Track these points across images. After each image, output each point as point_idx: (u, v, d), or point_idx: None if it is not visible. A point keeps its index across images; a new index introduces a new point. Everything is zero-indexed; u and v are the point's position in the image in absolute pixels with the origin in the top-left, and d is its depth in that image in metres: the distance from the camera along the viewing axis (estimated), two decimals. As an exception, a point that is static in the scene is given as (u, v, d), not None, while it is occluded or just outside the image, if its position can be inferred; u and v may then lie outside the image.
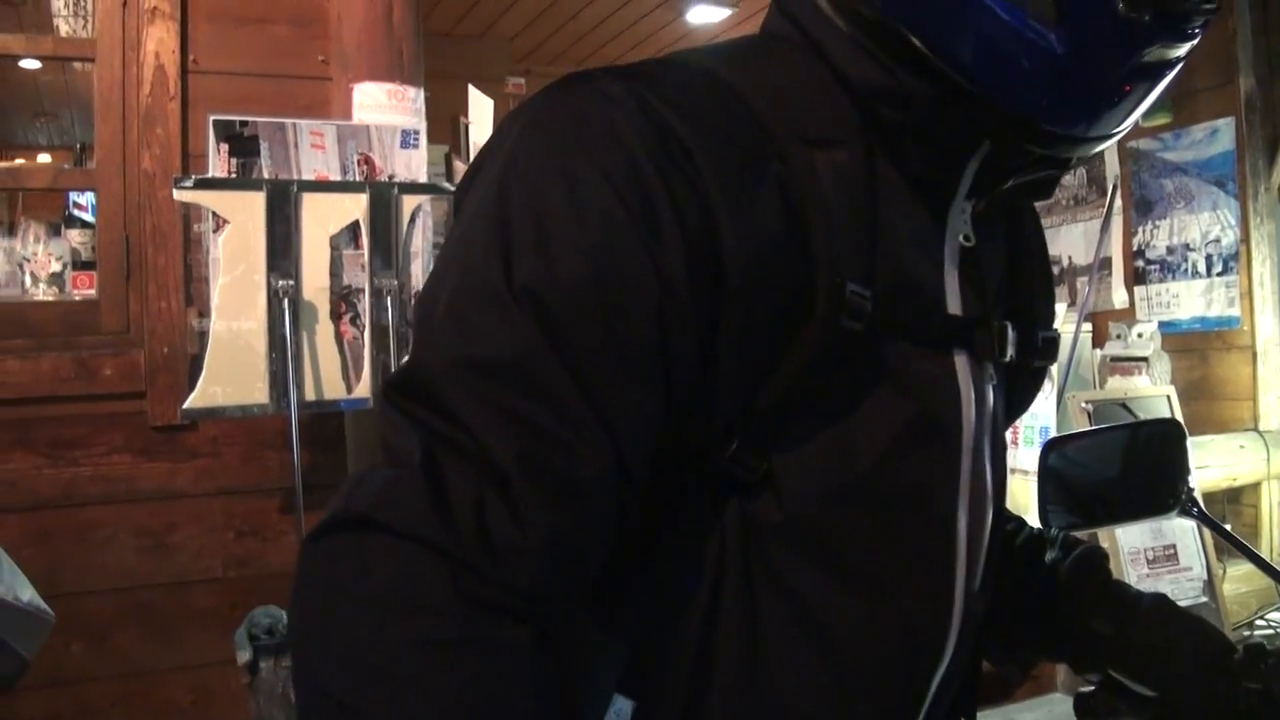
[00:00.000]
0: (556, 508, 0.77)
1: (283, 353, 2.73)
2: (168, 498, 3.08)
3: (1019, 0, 0.82)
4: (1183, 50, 0.85)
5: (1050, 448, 1.30)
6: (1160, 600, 1.16)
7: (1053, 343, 1.07)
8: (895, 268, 0.91)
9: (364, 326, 2.86)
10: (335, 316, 2.83)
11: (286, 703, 2.85)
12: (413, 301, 2.93)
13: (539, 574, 0.77)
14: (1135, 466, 1.26)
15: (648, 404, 0.82)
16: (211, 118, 2.90)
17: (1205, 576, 3.54)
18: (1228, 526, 3.88)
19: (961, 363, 0.95)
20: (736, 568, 0.89)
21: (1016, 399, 1.10)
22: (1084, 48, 0.82)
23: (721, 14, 6.30)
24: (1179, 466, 1.24)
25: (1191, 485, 1.23)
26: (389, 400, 0.81)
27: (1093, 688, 1.17)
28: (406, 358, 0.85)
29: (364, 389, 2.86)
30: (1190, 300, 4.30)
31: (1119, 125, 0.89)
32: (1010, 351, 0.99)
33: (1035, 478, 1.27)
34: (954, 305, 0.96)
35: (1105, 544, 3.40)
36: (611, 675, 0.90)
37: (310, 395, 2.81)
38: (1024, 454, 4.16)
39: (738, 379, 0.85)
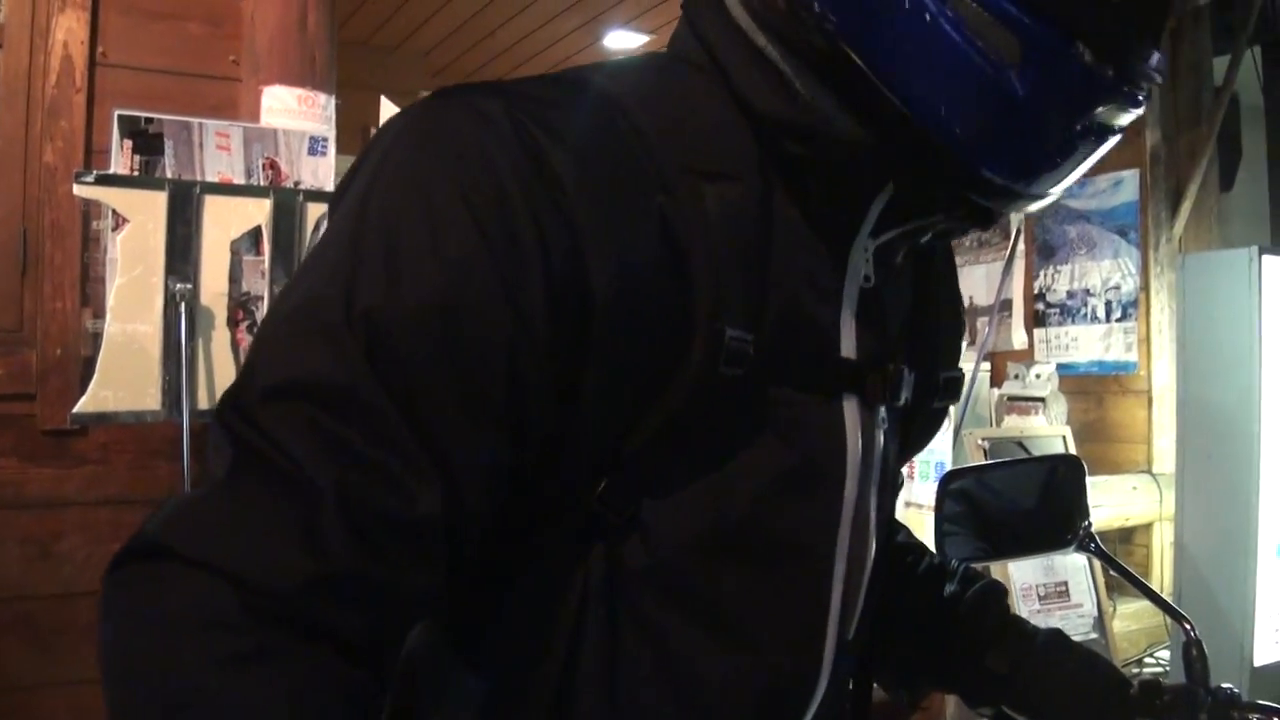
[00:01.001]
0: (367, 544, 0.72)
1: (177, 359, 2.66)
2: (55, 505, 2.98)
3: (980, 35, 0.78)
4: (1129, 117, 0.84)
5: (948, 480, 1.30)
6: (1055, 637, 1.16)
7: (955, 382, 1.06)
8: (785, 309, 0.88)
9: (262, 335, 2.80)
10: (232, 323, 2.77)
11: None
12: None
13: (339, 609, 0.72)
14: (1034, 501, 1.27)
15: (492, 443, 0.78)
16: (117, 113, 2.84)
17: (1095, 613, 3.58)
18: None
19: (850, 407, 0.93)
20: (599, 610, 0.86)
21: (914, 437, 1.10)
22: (1043, 93, 0.79)
23: (639, 40, 6.31)
24: (1078, 502, 1.24)
25: (1089, 521, 1.24)
26: (218, 415, 0.76)
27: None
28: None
29: (261, 398, 2.80)
30: (1089, 344, 4.37)
31: (1054, 185, 0.87)
32: (905, 395, 0.97)
33: (931, 511, 1.26)
34: (848, 348, 0.93)
35: (997, 578, 3.44)
36: (469, 710, 0.88)
37: (204, 404, 2.73)
38: (920, 488, 4.19)
39: (605, 420, 0.82)
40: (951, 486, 1.28)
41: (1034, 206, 0.89)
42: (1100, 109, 0.82)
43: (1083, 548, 1.23)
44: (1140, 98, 0.83)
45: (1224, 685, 1.09)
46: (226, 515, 0.72)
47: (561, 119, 0.81)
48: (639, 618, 0.86)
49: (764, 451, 0.87)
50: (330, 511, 0.71)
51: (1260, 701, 1.09)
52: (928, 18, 0.78)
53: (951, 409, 3.99)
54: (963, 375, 1.08)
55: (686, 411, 0.82)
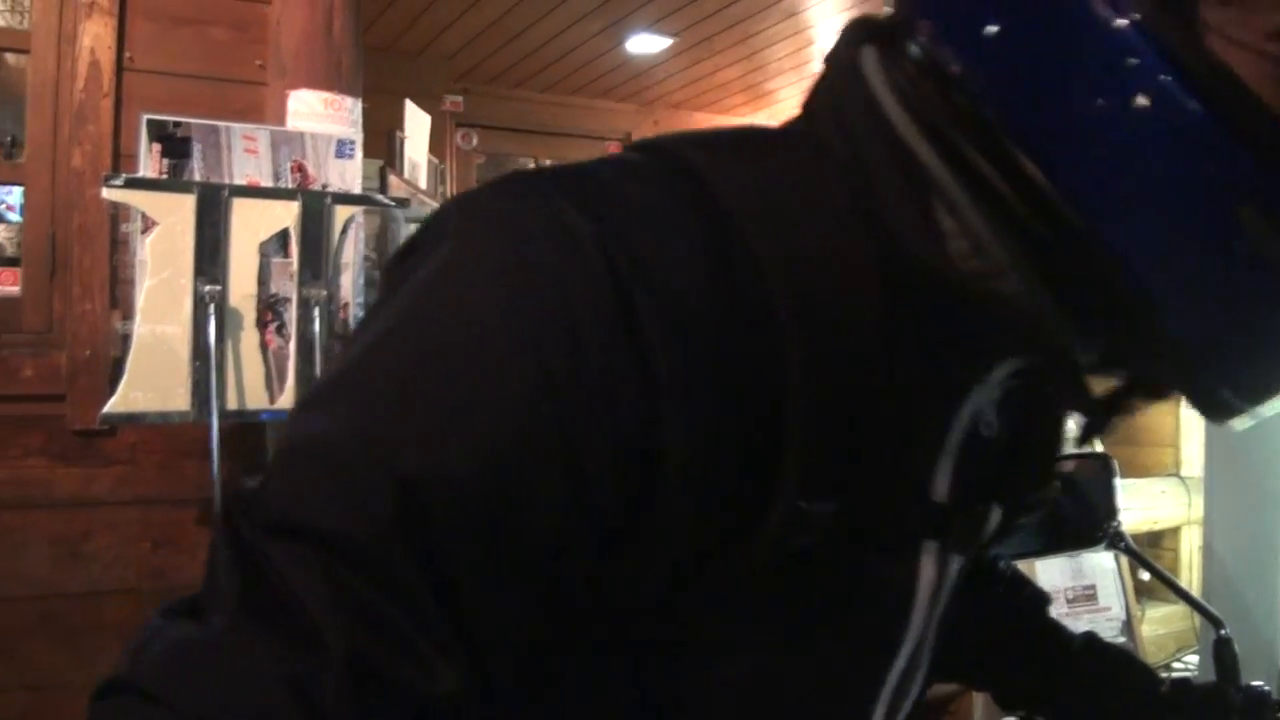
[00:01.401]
0: (369, 716, 0.63)
1: (206, 360, 2.67)
2: (84, 505, 3.01)
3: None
4: None
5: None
6: (1090, 643, 1.15)
7: (1036, 503, 0.93)
8: (878, 470, 0.74)
9: (289, 336, 2.81)
10: (261, 325, 2.79)
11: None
12: (341, 314, 2.90)
13: None
14: (1065, 500, 1.27)
15: (526, 619, 0.68)
16: (145, 117, 2.85)
17: (1124, 617, 3.57)
18: (1147, 575, 3.93)
19: (928, 558, 0.81)
20: None
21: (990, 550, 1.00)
22: None
23: (662, 43, 6.31)
24: (1108, 501, 1.24)
25: (1119, 520, 1.24)
26: (224, 519, 0.66)
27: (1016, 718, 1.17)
28: (264, 478, 0.68)
29: (287, 400, 2.82)
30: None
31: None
32: (988, 533, 0.86)
33: None
34: (941, 491, 0.79)
35: (1027, 583, 3.43)
36: None
37: (232, 404, 2.75)
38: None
39: (650, 586, 0.71)
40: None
41: (1235, 421, 0.75)
42: None
43: (1112, 545, 1.23)
44: None
45: (1255, 684, 1.09)
46: (217, 671, 0.62)
47: (660, 250, 0.68)
48: None
49: (822, 619, 0.77)
50: (337, 675, 0.61)
51: (1291, 700, 1.09)
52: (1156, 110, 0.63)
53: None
54: (1057, 487, 0.94)
55: (740, 581, 0.72)
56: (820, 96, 0.79)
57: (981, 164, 0.68)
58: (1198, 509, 3.65)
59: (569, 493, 0.65)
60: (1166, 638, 3.75)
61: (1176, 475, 4.02)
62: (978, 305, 0.71)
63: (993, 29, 0.68)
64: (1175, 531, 4.00)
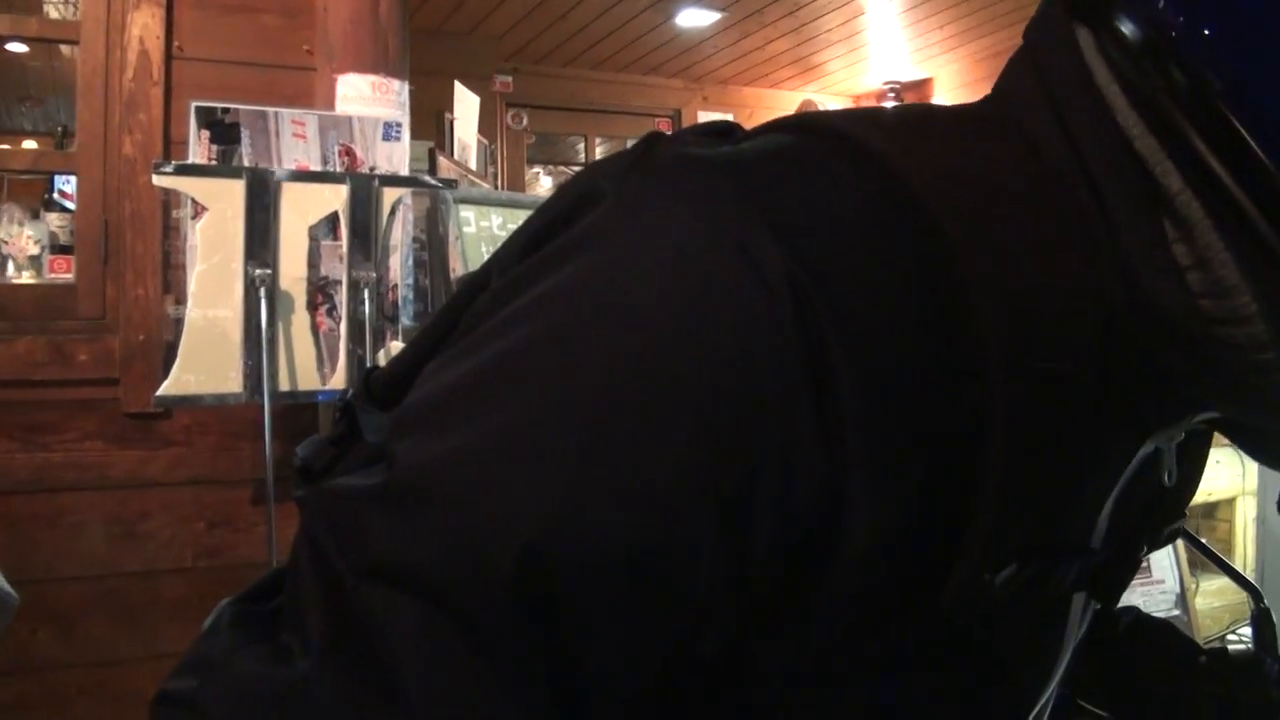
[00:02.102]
0: None
1: (258, 343, 2.70)
2: (139, 486, 3.06)
3: None
4: None
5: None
6: (1132, 622, 1.15)
7: (1176, 532, 0.85)
8: (1054, 529, 0.66)
9: (340, 318, 2.84)
10: (312, 307, 2.81)
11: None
12: (390, 295, 2.92)
13: None
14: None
15: (639, 682, 0.59)
16: (194, 104, 2.88)
17: (1178, 590, 3.54)
18: (1203, 540, 3.90)
19: (1075, 607, 0.75)
20: None
21: None
22: None
23: (711, 17, 6.30)
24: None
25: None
26: (309, 544, 0.59)
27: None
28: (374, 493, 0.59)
29: (339, 381, 2.84)
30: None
31: None
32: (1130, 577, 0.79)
33: None
34: (1098, 538, 0.72)
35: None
36: None
37: (284, 386, 2.78)
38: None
39: (796, 659, 0.63)
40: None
41: None
42: None
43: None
44: None
45: (1297, 654, 1.09)
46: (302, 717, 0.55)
47: (864, 281, 0.57)
48: None
49: (969, 684, 0.70)
50: None
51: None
52: None
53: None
54: (1184, 521, 0.85)
55: (893, 644, 0.64)
56: (1023, 78, 0.67)
57: (1225, 177, 0.57)
58: (1252, 480, 3.62)
59: (711, 586, 0.57)
60: (1221, 610, 3.71)
61: (1231, 446, 3.98)
62: (1202, 350, 0.62)
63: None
64: (1230, 503, 3.95)
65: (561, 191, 0.69)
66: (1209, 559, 1.25)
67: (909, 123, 0.66)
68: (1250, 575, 3.71)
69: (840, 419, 0.55)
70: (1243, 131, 0.56)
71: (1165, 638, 1.13)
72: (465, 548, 0.54)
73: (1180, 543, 3.65)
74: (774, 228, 0.57)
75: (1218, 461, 3.87)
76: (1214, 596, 3.70)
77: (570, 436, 0.55)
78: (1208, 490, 3.84)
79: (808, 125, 0.66)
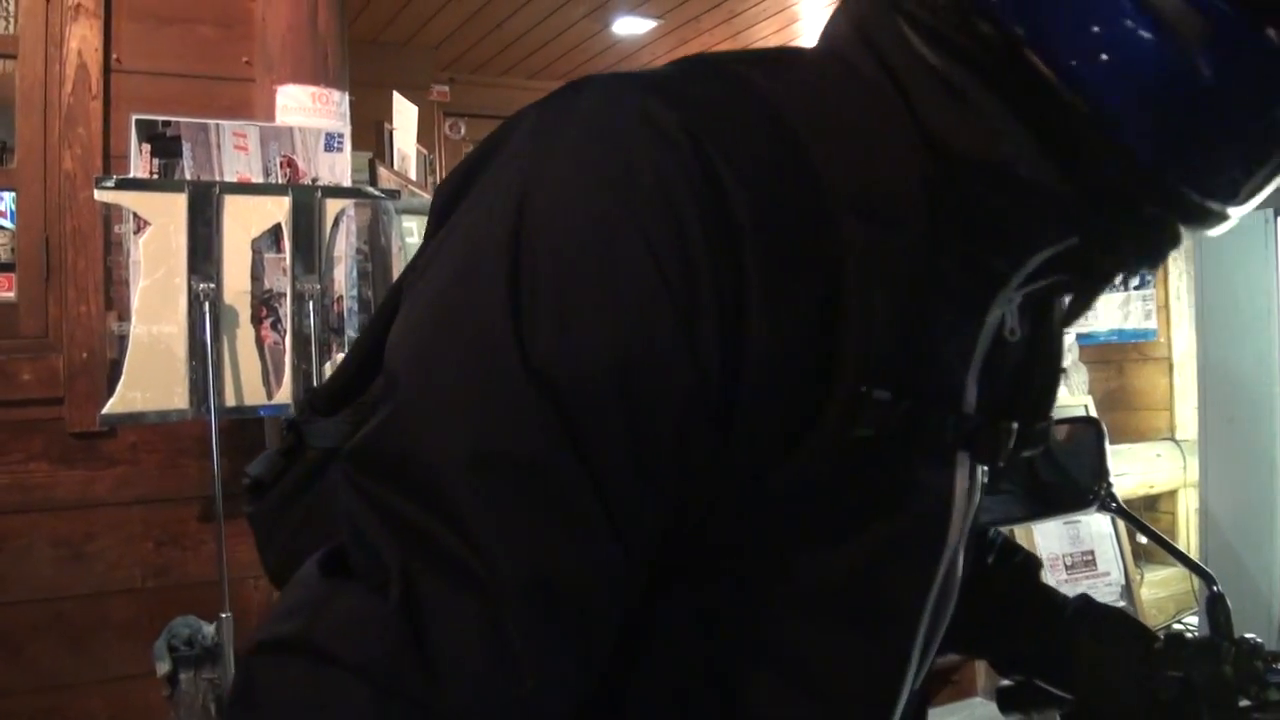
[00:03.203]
0: (565, 644, 0.68)
1: (203, 358, 2.69)
2: (86, 506, 3.01)
3: (1173, 26, 0.69)
4: None
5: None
6: (1084, 606, 1.17)
7: (1046, 432, 0.95)
8: (923, 368, 0.79)
9: (285, 331, 2.82)
10: (256, 321, 2.80)
11: (206, 715, 2.81)
12: (335, 307, 2.91)
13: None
14: (1056, 464, 1.28)
15: (659, 507, 0.71)
16: (134, 117, 2.86)
17: (1123, 581, 3.60)
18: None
19: (962, 468, 0.86)
20: (672, 656, 0.80)
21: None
22: (1236, 86, 0.70)
23: (647, 25, 6.31)
24: (1098, 463, 1.25)
25: (1111, 482, 1.25)
26: (362, 486, 0.69)
27: (1013, 683, 1.19)
28: (379, 419, 0.71)
29: (285, 395, 2.83)
30: (1108, 313, 4.37)
31: (1251, 197, 0.77)
32: (1008, 451, 0.88)
33: None
34: (970, 402, 0.85)
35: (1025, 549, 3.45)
36: None
37: (230, 401, 2.77)
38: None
39: (734, 477, 0.74)
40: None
41: (1221, 227, 0.79)
42: None
43: (1104, 507, 1.25)
44: None
45: (1247, 635, 1.11)
46: (401, 632, 0.64)
47: (741, 144, 0.72)
48: (714, 665, 0.80)
49: (876, 513, 0.81)
50: (525, 619, 0.65)
51: (1284, 652, 1.11)
52: (1122, 18, 0.69)
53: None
54: (1052, 424, 0.96)
55: (810, 470, 0.75)
56: (842, 27, 0.83)
57: (1001, 71, 0.72)
58: (1193, 472, 3.68)
59: (688, 382, 0.68)
60: (1166, 600, 3.77)
61: (1172, 439, 4.05)
62: (1019, 193, 0.76)
63: None
64: (1172, 494, 4.02)
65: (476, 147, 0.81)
66: (1161, 546, 1.28)
67: (762, 54, 0.83)
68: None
69: (739, 241, 0.69)
70: (1006, 41, 0.71)
71: (1118, 623, 1.15)
72: (501, 393, 0.66)
73: (1125, 536, 3.70)
74: (666, 101, 0.72)
75: (1158, 455, 3.94)
76: (1159, 587, 3.76)
77: (553, 285, 0.67)
78: (1149, 483, 3.90)
79: (690, 59, 0.81)
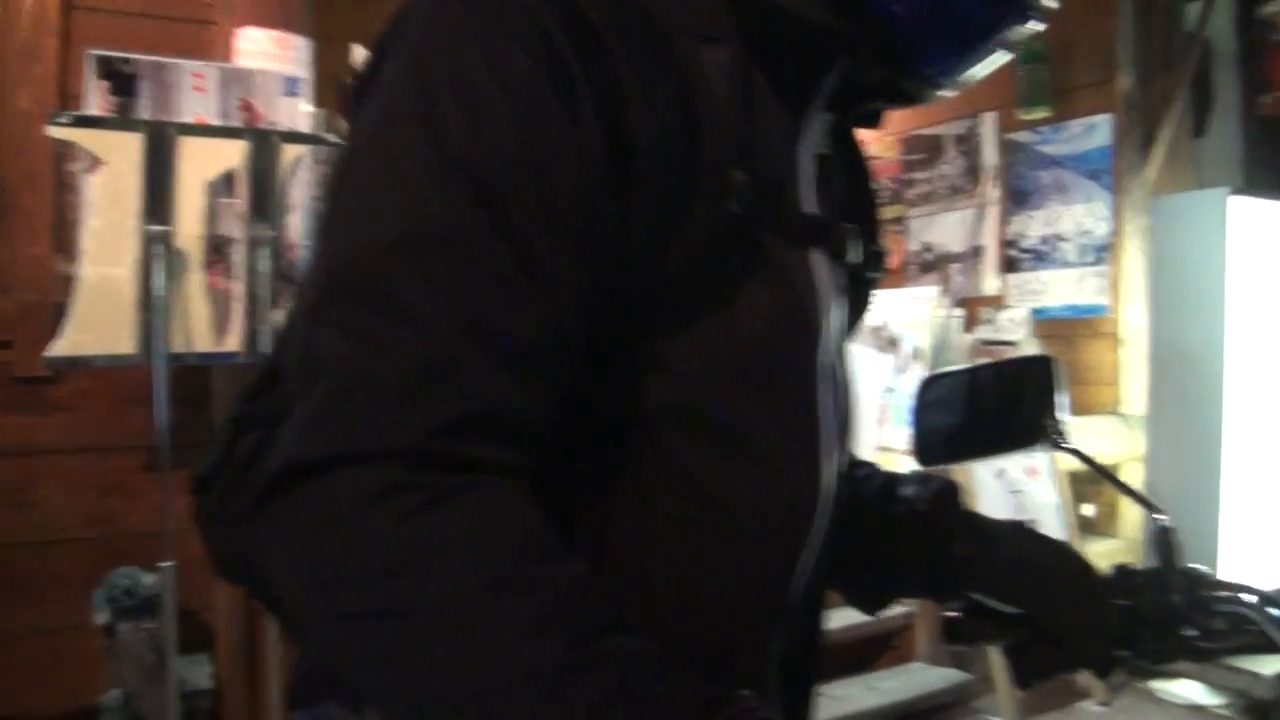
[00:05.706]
0: (508, 374, 0.77)
1: (153, 302, 2.65)
2: (28, 453, 2.99)
3: None
4: (1028, 31, 0.97)
5: (926, 386, 1.32)
6: (1018, 525, 1.19)
7: (881, 256, 1.12)
8: (766, 165, 0.93)
9: (236, 278, 2.79)
10: (206, 266, 2.76)
11: (144, 665, 2.79)
12: (289, 254, 2.88)
13: (493, 443, 0.77)
14: (1006, 401, 1.29)
15: (578, 277, 0.82)
16: (92, 53, 2.82)
17: (1067, 550, 3.64)
18: (1090, 508, 4.00)
19: (817, 259, 0.98)
20: (627, 450, 0.89)
21: (852, 310, 1.12)
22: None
23: None
24: (1048, 401, 1.26)
25: (1059, 418, 1.26)
26: (319, 317, 0.79)
27: (958, 613, 1.18)
28: (314, 271, 0.83)
29: (234, 343, 2.79)
30: (1060, 288, 4.41)
31: (963, 80, 0.99)
32: (857, 256, 1.03)
33: (903, 455, 1.27)
34: (810, 206, 0.99)
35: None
36: None
37: (179, 347, 2.72)
38: (891, 432, 4.23)
39: (637, 260, 0.86)
40: (928, 392, 1.30)
41: (940, 94, 1.01)
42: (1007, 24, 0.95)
43: (1053, 445, 1.26)
44: (1039, 15, 0.95)
45: (1194, 565, 1.12)
46: (361, 407, 0.74)
47: None
48: (663, 453, 0.90)
49: (763, 286, 0.93)
50: (467, 360, 0.75)
51: (1228, 580, 1.13)
52: None
53: (925, 354, 4.04)
54: (887, 251, 1.16)
55: (699, 247, 0.87)
56: None
57: None
58: (1139, 446, 3.72)
59: (581, 161, 0.81)
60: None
61: (1117, 413, 4.08)
62: (785, 23, 0.93)
63: None
64: (1117, 468, 4.06)
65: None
66: (1109, 482, 1.29)
67: None
68: (1139, 540, 3.81)
69: (599, 41, 0.82)
70: None
71: (1062, 551, 1.17)
72: (424, 184, 0.78)
73: (1070, 506, 3.74)
74: None
75: (1105, 429, 3.98)
76: (1102, 558, 3.78)
77: (454, 95, 0.80)
78: (1095, 456, 3.94)
79: None
